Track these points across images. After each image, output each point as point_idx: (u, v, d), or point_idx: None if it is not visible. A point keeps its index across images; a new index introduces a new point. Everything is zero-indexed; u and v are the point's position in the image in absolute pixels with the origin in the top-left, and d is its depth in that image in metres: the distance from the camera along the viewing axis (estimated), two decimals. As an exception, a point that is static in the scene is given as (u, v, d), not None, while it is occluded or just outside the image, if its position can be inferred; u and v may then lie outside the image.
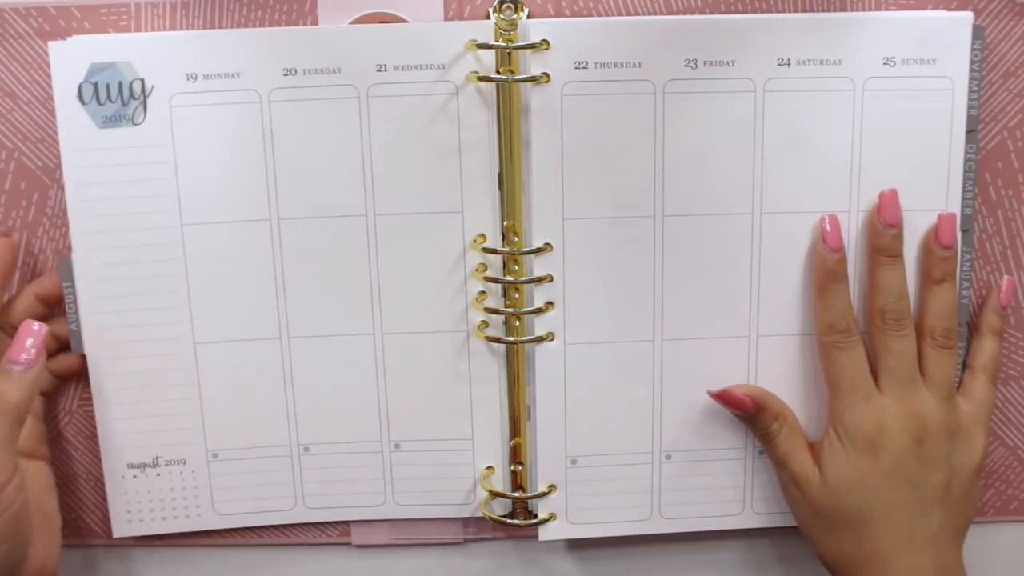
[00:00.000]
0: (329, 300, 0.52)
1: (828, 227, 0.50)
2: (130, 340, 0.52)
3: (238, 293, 0.52)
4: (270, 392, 0.53)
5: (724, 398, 0.51)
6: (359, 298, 0.52)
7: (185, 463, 0.53)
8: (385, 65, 0.49)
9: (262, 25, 0.50)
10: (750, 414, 0.51)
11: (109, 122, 0.50)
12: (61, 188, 0.51)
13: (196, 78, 0.49)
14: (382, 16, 0.50)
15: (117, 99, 0.49)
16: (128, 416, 0.52)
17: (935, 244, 0.50)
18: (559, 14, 0.50)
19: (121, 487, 0.53)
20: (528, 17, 0.49)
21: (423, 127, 0.50)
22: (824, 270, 0.50)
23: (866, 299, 0.51)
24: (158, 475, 0.53)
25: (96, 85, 0.49)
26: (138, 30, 0.50)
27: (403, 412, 0.53)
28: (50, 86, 0.49)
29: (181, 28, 0.50)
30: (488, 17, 0.49)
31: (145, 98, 0.49)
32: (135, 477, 0.53)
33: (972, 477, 0.49)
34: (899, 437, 0.48)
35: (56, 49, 0.49)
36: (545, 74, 0.49)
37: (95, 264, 0.51)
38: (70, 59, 0.49)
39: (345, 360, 0.52)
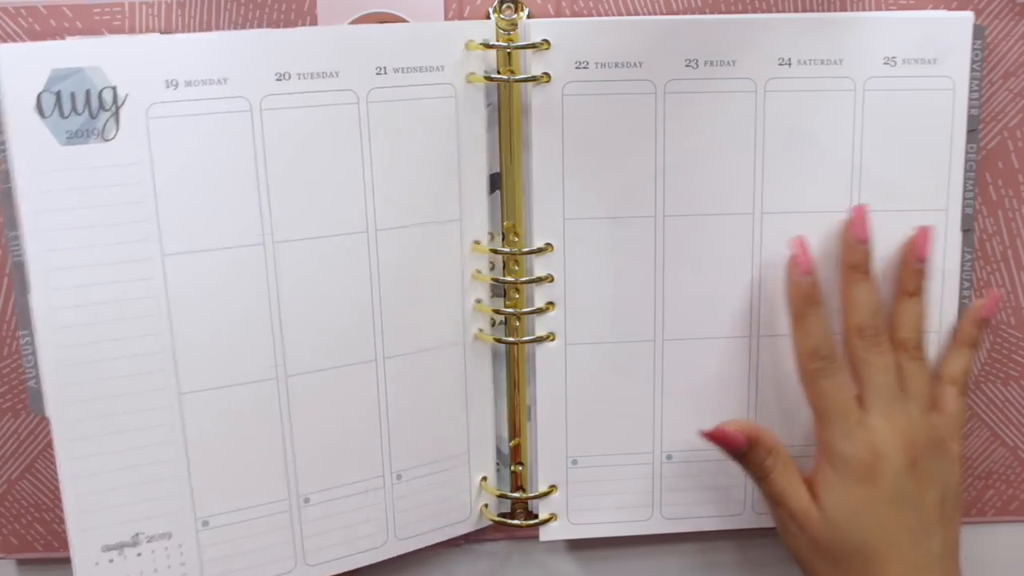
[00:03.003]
0: (329, 329, 0.48)
1: (798, 250, 0.49)
2: (102, 396, 0.45)
3: (229, 330, 0.46)
4: (266, 441, 0.48)
5: (717, 437, 0.47)
6: (360, 323, 0.48)
7: (171, 537, 0.46)
8: (384, 67, 0.47)
9: (259, 26, 0.49)
10: (743, 451, 0.48)
11: (75, 138, 0.43)
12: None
13: (177, 85, 0.44)
14: (382, 16, 0.49)
15: (84, 110, 0.43)
16: (102, 488, 0.45)
17: (911, 257, 0.49)
18: (559, 14, 0.50)
19: None
20: (528, 17, 0.49)
21: (425, 132, 0.48)
22: (799, 295, 0.48)
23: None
24: (139, 555, 0.46)
25: (59, 95, 0.43)
26: (132, 30, 0.49)
27: (406, 438, 0.50)
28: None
29: (177, 28, 0.49)
30: (488, 17, 0.49)
31: (118, 109, 0.43)
32: (111, 562, 0.46)
33: (958, 490, 0.49)
34: (895, 460, 0.46)
35: (7, 54, 0.42)
36: (546, 74, 0.48)
37: (58, 307, 0.44)
38: (26, 64, 0.42)
39: (346, 393, 0.49)
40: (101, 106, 0.43)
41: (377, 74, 0.47)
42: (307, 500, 0.49)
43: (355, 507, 0.50)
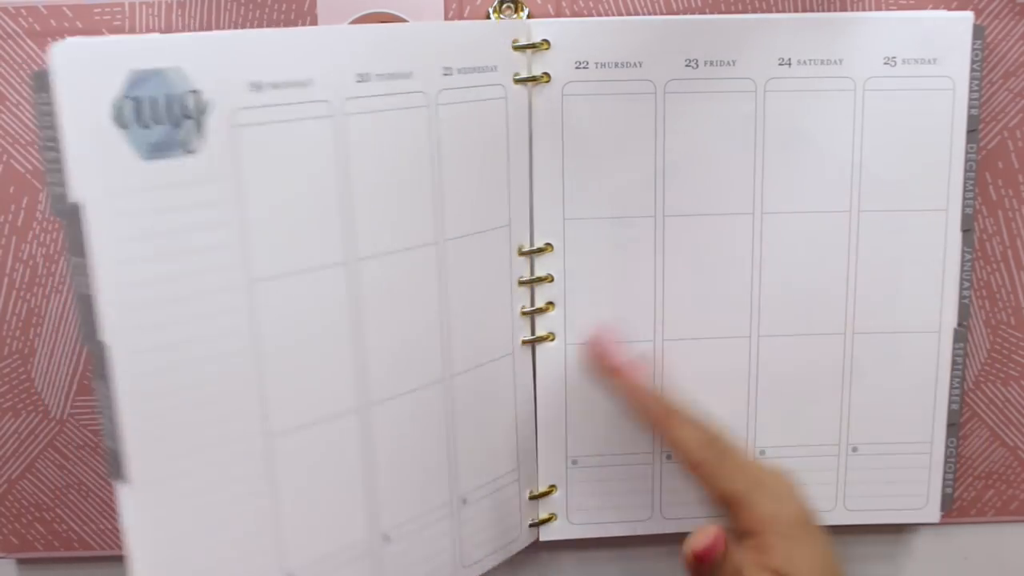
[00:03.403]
0: (405, 351, 0.45)
1: (629, 365, 0.46)
2: (188, 450, 0.38)
3: (315, 361, 0.42)
4: (348, 476, 0.43)
5: (701, 555, 0.40)
6: (431, 341, 0.46)
7: None
8: (451, 68, 0.44)
9: (260, 26, 0.49)
10: (722, 553, 0.40)
11: (157, 151, 0.36)
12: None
13: (262, 88, 0.38)
14: (382, 16, 0.49)
15: (165, 119, 0.36)
16: (180, 555, 0.39)
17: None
18: (559, 14, 0.50)
19: None
20: (528, 17, 0.49)
21: (486, 134, 0.47)
22: (656, 412, 0.45)
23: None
24: None
25: (138, 101, 0.35)
26: (132, 31, 0.49)
27: (468, 459, 0.48)
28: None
29: (176, 28, 0.49)
30: (488, 17, 0.49)
31: (201, 116, 0.37)
32: None
33: None
34: (803, 499, 0.43)
35: (70, 52, 0.34)
36: (546, 74, 0.48)
37: (141, 350, 0.37)
38: (96, 66, 0.35)
39: (421, 418, 0.46)
40: (184, 113, 0.36)
41: (444, 75, 0.44)
42: (387, 538, 0.45)
43: (429, 539, 0.47)
